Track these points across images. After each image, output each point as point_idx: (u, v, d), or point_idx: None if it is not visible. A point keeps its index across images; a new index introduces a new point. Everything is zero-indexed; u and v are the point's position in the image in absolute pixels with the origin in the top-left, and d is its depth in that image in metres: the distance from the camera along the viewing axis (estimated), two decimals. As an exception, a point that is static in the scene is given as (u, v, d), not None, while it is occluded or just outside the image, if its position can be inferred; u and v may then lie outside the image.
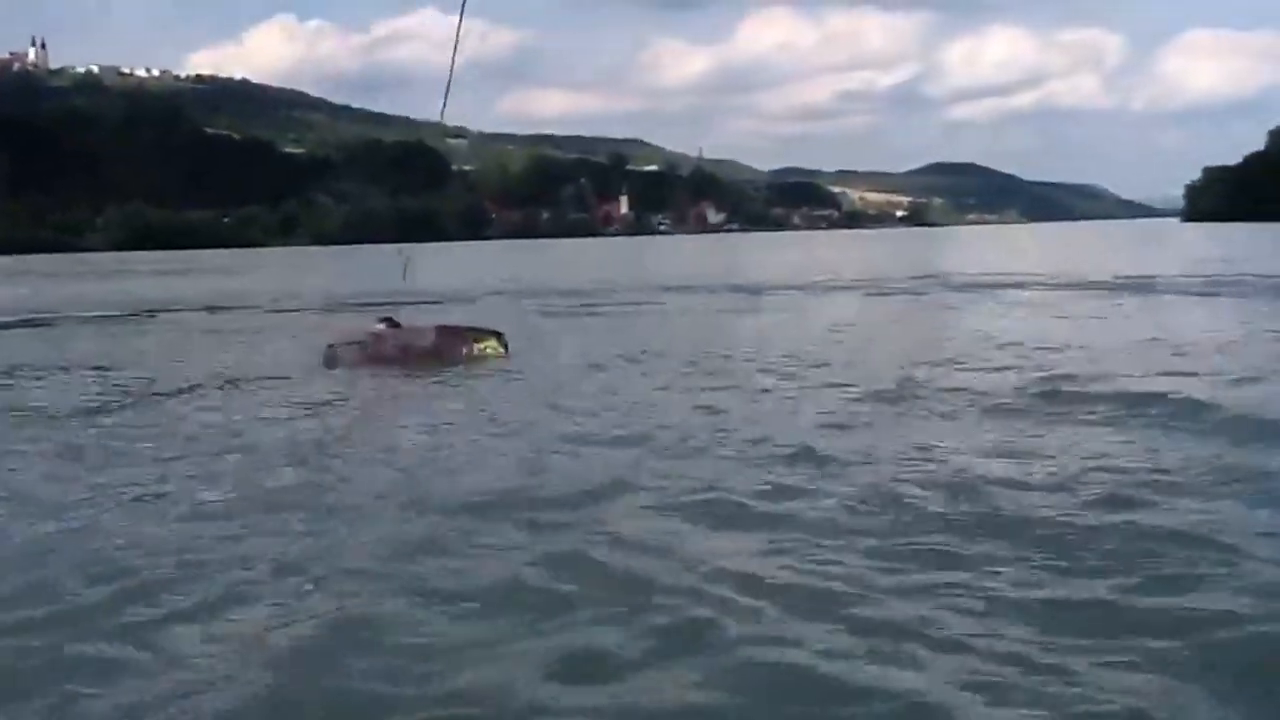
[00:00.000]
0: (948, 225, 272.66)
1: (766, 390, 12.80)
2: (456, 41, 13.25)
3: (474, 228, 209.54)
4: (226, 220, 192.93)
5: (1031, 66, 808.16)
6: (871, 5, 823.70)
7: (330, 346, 16.52)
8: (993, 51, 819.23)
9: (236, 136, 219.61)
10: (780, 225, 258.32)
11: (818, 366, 14.76)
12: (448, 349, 16.32)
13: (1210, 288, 28.91)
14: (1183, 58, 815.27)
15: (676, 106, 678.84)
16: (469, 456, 9.40)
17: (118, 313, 32.12)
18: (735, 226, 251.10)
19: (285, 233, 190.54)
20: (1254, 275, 32.24)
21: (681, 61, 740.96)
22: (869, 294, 32.31)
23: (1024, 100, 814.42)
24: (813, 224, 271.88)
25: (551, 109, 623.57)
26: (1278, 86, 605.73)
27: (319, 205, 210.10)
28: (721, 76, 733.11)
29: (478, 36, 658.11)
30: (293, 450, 9.79)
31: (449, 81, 14.45)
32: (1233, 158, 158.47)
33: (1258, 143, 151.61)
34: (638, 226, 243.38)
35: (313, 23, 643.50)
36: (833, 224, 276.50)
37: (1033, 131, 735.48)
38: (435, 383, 14.25)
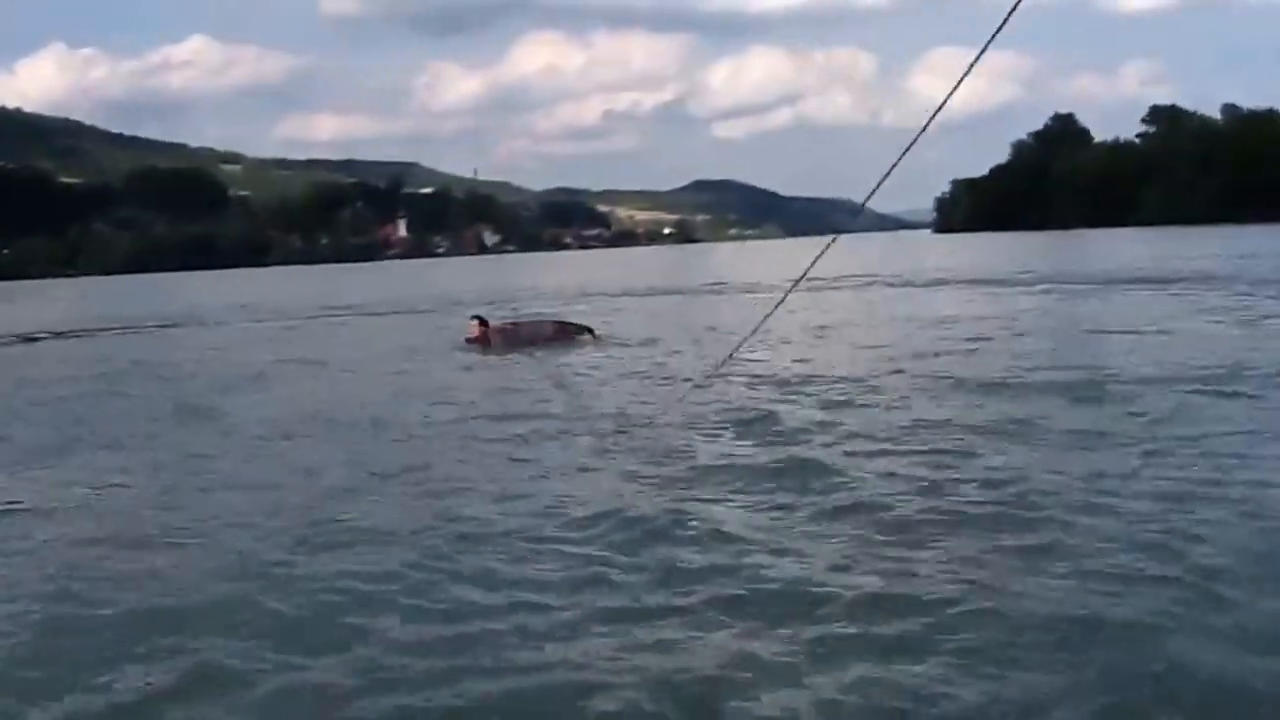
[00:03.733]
0: (712, 241, 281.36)
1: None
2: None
3: (255, 254, 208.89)
4: (6, 253, 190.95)
5: (789, 85, 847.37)
6: (637, 27, 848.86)
7: (484, 333, 20.46)
8: (752, 71, 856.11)
9: (11, 166, 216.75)
10: (554, 245, 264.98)
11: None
12: (562, 336, 20.36)
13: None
14: (930, 75, 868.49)
15: (451, 129, 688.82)
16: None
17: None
18: (512, 248, 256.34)
19: (69, 264, 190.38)
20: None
21: (455, 85, 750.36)
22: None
23: (782, 118, 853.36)
24: (585, 243, 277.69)
25: (325, 133, 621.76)
26: (1018, 101, 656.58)
27: (101, 235, 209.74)
28: (494, 99, 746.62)
29: (252, 60, 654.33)
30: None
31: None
32: (979, 170, 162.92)
33: (1002, 155, 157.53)
34: (417, 249, 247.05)
35: (85, 51, 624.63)
36: (605, 243, 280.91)
37: (791, 148, 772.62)
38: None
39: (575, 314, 25.30)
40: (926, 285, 35.40)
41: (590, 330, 20.66)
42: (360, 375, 17.59)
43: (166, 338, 31.04)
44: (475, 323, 20.59)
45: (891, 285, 36.28)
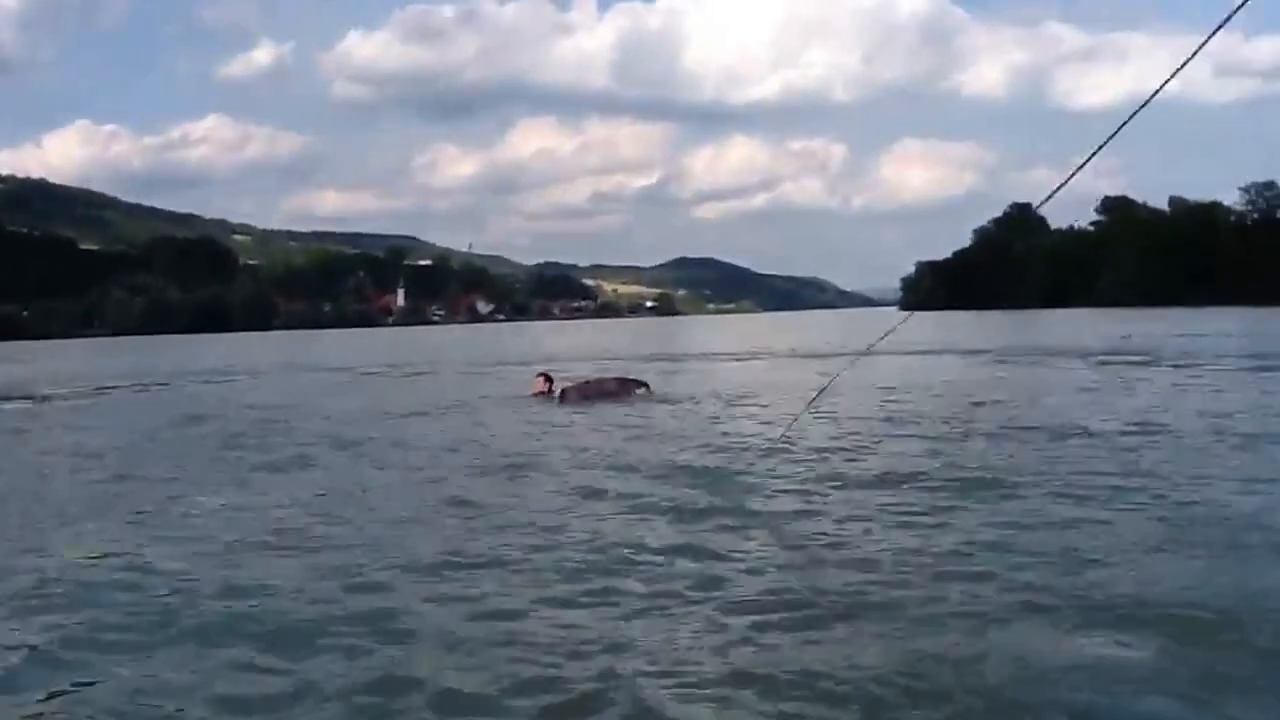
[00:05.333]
0: (691, 314, 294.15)
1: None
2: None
3: (260, 319, 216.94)
4: (26, 314, 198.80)
5: (765, 171, 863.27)
6: (626, 116, 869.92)
7: (563, 389, 21.99)
8: (731, 158, 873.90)
9: (35, 233, 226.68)
10: (543, 315, 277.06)
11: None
12: (624, 391, 22.13)
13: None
14: (897, 164, 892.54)
15: (449, 205, 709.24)
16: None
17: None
18: (503, 317, 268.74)
19: (86, 325, 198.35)
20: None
21: (454, 164, 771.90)
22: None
23: (758, 201, 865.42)
24: (571, 314, 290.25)
25: (332, 208, 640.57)
26: (978, 190, 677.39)
27: (117, 299, 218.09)
28: (490, 178, 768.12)
29: (265, 139, 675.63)
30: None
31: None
32: (943, 253, 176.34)
33: (964, 239, 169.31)
34: (414, 316, 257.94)
35: (108, 126, 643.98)
36: (589, 314, 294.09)
37: (766, 229, 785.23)
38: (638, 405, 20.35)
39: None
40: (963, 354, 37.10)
41: (646, 385, 22.66)
42: (475, 422, 18.84)
43: (261, 385, 33.05)
44: (541, 379, 22.50)
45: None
